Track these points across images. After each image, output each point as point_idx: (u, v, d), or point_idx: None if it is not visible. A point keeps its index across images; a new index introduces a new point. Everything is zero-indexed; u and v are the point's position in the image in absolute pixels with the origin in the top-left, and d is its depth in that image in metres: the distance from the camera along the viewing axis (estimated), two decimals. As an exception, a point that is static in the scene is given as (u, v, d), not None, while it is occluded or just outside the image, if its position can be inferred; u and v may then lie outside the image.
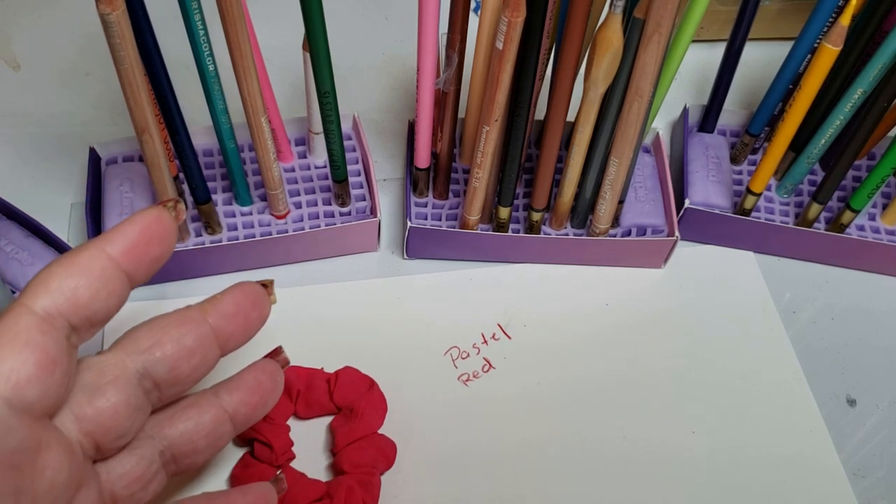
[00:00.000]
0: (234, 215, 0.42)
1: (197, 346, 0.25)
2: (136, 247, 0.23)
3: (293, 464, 0.35)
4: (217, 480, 0.35)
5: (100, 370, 0.23)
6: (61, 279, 0.22)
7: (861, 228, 0.44)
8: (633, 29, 0.33)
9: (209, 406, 0.27)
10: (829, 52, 0.36)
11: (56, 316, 0.22)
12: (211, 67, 0.35)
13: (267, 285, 0.29)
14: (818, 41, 0.40)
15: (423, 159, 0.41)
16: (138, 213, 0.24)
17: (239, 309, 0.27)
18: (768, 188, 0.45)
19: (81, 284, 0.22)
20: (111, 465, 0.24)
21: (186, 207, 0.41)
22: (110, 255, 0.23)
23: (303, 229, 0.41)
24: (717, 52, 0.44)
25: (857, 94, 0.38)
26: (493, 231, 0.42)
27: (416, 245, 0.42)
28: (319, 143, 0.43)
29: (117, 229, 0.23)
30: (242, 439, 0.35)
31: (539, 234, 0.43)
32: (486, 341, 0.41)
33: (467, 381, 0.39)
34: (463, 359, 0.40)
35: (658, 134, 0.45)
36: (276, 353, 0.31)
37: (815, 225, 0.44)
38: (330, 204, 0.42)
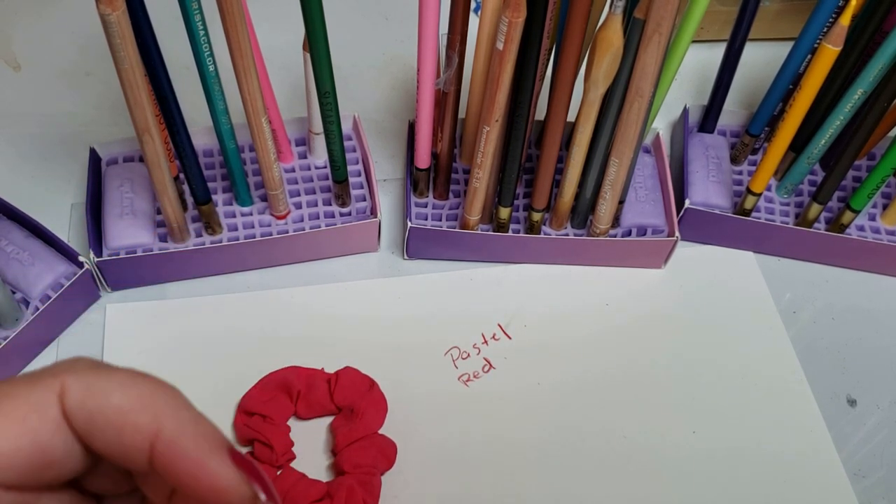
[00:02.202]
0: (234, 215, 0.42)
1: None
2: (174, 468, 0.19)
3: (293, 464, 0.35)
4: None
5: None
6: (99, 410, 0.18)
7: (861, 228, 0.44)
8: (633, 29, 0.33)
9: None
10: (829, 52, 0.36)
11: (69, 423, 0.19)
12: (211, 68, 0.35)
13: None
14: (818, 41, 0.40)
15: (423, 159, 0.41)
16: (221, 458, 0.19)
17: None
18: (768, 188, 0.45)
19: (105, 434, 0.18)
20: None
21: (187, 209, 0.41)
22: (155, 445, 0.19)
23: (303, 229, 0.41)
24: (717, 52, 0.44)
25: (857, 94, 0.38)
26: (494, 231, 0.42)
27: (416, 245, 0.42)
28: (320, 144, 0.43)
29: (189, 436, 0.19)
30: (243, 440, 0.35)
31: (539, 234, 0.43)
32: (486, 341, 0.41)
33: (468, 381, 0.39)
34: (463, 359, 0.40)
35: (658, 134, 0.45)
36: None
37: (815, 225, 0.44)
38: (330, 204, 0.42)
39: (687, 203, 0.43)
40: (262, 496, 0.19)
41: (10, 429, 0.18)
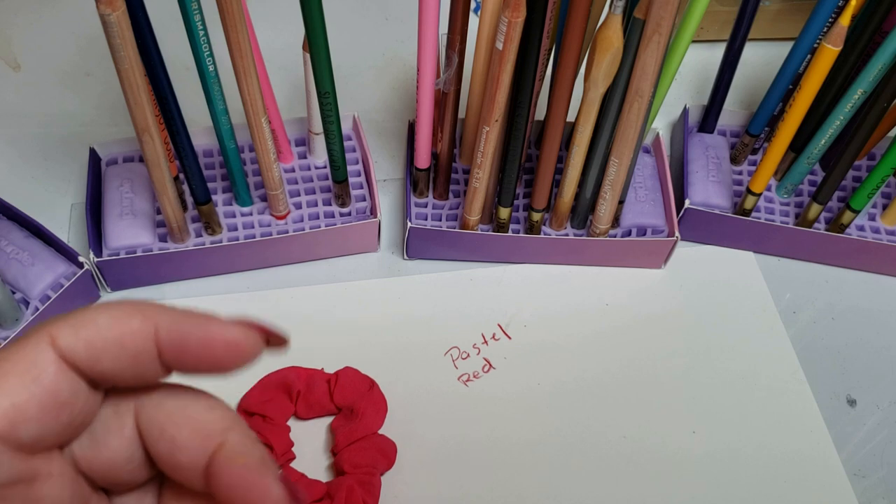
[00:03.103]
0: (234, 216, 0.42)
1: (186, 466, 0.21)
2: (187, 351, 0.20)
3: (293, 464, 0.35)
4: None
5: (112, 412, 0.21)
6: (94, 333, 0.19)
7: (861, 228, 0.44)
8: (633, 29, 0.33)
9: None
10: (829, 52, 0.36)
11: (71, 363, 0.20)
12: (211, 68, 0.35)
13: None
14: (818, 41, 0.40)
15: (423, 159, 0.41)
16: (226, 322, 0.20)
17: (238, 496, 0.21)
18: (768, 188, 0.45)
19: (109, 352, 0.20)
20: (117, 502, 0.22)
21: (186, 209, 0.41)
22: (158, 339, 0.20)
23: (303, 230, 0.41)
24: (717, 52, 0.44)
25: (857, 94, 0.38)
26: (494, 231, 0.42)
27: (416, 245, 0.42)
28: (319, 144, 0.43)
29: (185, 321, 0.20)
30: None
31: (539, 234, 0.43)
32: (486, 341, 0.41)
33: (467, 381, 0.39)
34: (463, 359, 0.40)
35: (658, 134, 0.46)
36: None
37: (815, 225, 0.44)
38: (330, 204, 0.42)
39: (687, 203, 0.43)
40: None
41: (15, 384, 0.19)
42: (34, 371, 0.19)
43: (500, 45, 0.32)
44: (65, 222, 0.43)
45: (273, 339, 0.21)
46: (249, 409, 0.36)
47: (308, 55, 0.35)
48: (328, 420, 0.37)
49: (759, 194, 0.42)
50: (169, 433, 0.21)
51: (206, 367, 0.20)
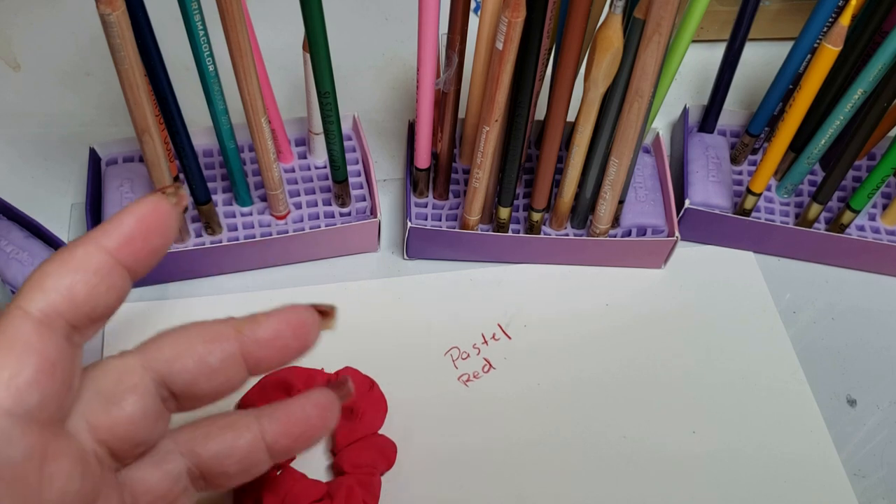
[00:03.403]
0: (234, 216, 0.42)
1: (221, 366, 0.24)
2: (134, 239, 0.23)
3: (293, 464, 0.35)
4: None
5: (117, 377, 0.23)
6: (56, 278, 0.21)
7: (861, 228, 0.44)
8: (633, 29, 0.33)
9: (247, 431, 0.26)
10: (829, 52, 0.36)
11: (54, 317, 0.21)
12: (211, 68, 0.35)
13: (326, 312, 0.27)
14: (818, 41, 0.40)
15: (423, 159, 0.41)
16: (135, 202, 0.23)
17: (277, 337, 0.25)
18: (768, 188, 0.45)
19: (77, 282, 0.21)
20: (136, 478, 0.24)
21: (186, 209, 0.41)
22: (106, 248, 0.22)
23: (303, 230, 0.41)
24: (717, 52, 0.44)
25: (857, 94, 0.38)
26: (494, 231, 0.42)
27: (416, 245, 0.42)
28: (319, 144, 0.43)
29: (114, 221, 0.23)
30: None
31: (539, 234, 0.43)
32: (486, 341, 0.41)
33: (467, 381, 0.39)
34: (463, 359, 0.40)
35: (658, 134, 0.46)
36: (339, 383, 0.29)
37: (815, 225, 0.44)
38: (330, 204, 0.42)
39: (687, 203, 0.43)
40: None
41: (9, 357, 0.20)
42: (21, 342, 0.21)
43: (500, 45, 0.32)
44: (65, 222, 0.43)
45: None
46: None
47: (308, 55, 0.35)
48: (328, 420, 0.37)
49: (759, 194, 0.42)
50: (189, 354, 0.24)
51: (154, 239, 0.23)
